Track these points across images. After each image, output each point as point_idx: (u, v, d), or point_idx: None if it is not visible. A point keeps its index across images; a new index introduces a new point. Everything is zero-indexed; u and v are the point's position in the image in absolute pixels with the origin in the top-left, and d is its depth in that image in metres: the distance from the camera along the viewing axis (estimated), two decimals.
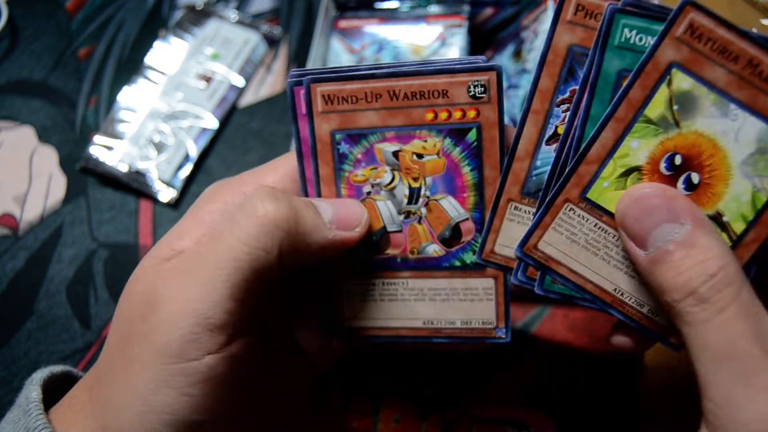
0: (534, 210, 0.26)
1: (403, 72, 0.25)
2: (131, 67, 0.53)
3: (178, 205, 0.47)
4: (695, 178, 0.24)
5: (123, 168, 0.48)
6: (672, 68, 0.23)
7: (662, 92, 0.23)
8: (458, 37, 0.46)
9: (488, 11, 0.48)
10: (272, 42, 0.54)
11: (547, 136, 0.26)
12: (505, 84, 0.45)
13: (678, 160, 0.24)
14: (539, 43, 0.43)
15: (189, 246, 0.25)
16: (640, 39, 0.24)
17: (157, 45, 0.53)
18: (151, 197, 0.47)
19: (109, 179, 0.48)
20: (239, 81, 0.52)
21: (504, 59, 0.46)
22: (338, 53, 0.47)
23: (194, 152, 0.48)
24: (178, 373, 0.21)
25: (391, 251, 0.28)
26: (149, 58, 0.53)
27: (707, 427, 0.21)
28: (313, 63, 0.44)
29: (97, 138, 0.49)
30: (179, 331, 0.21)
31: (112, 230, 0.46)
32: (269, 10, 0.56)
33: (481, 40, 0.48)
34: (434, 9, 0.48)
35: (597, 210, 0.25)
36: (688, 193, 0.24)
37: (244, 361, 0.23)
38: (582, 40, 0.24)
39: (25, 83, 0.53)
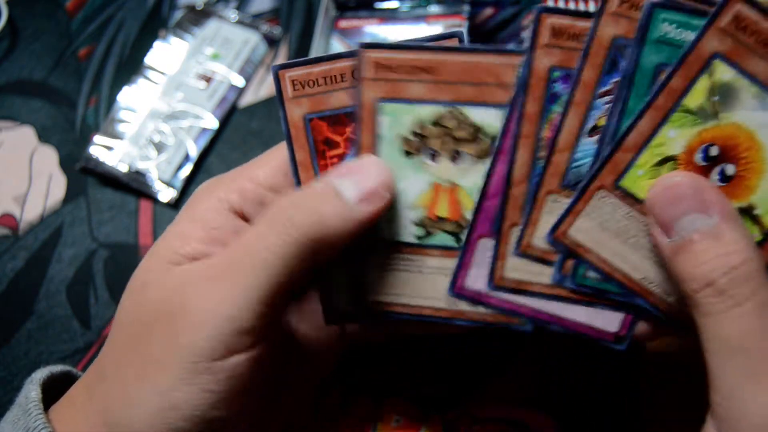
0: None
1: None
2: (131, 67, 0.53)
3: (178, 205, 0.47)
4: (730, 169, 0.24)
5: (123, 168, 0.48)
6: (714, 59, 0.23)
7: (703, 82, 0.23)
8: None
9: (488, 11, 0.48)
10: (272, 42, 0.54)
11: (588, 128, 0.26)
12: None
13: (714, 151, 0.24)
14: None
15: (195, 250, 0.25)
16: (679, 33, 0.24)
17: (157, 45, 0.53)
18: (151, 197, 0.47)
19: (109, 179, 0.48)
20: (239, 81, 0.52)
21: None
22: None
23: (194, 152, 0.48)
24: (204, 371, 0.22)
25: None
26: (149, 58, 0.53)
27: (713, 419, 0.21)
28: None
29: (97, 138, 0.49)
30: (208, 332, 0.22)
31: (112, 230, 0.46)
32: (269, 10, 0.56)
33: (481, 40, 0.48)
34: (434, 9, 0.48)
35: (630, 198, 0.25)
36: (723, 185, 0.24)
37: (264, 362, 0.24)
38: (626, 32, 0.24)
39: (25, 83, 0.53)
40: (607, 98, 0.25)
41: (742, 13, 0.23)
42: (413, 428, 0.38)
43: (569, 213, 0.26)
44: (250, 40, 0.53)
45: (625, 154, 0.25)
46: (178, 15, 0.55)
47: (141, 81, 0.51)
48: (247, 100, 0.52)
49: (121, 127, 0.49)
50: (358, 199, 0.24)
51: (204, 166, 0.49)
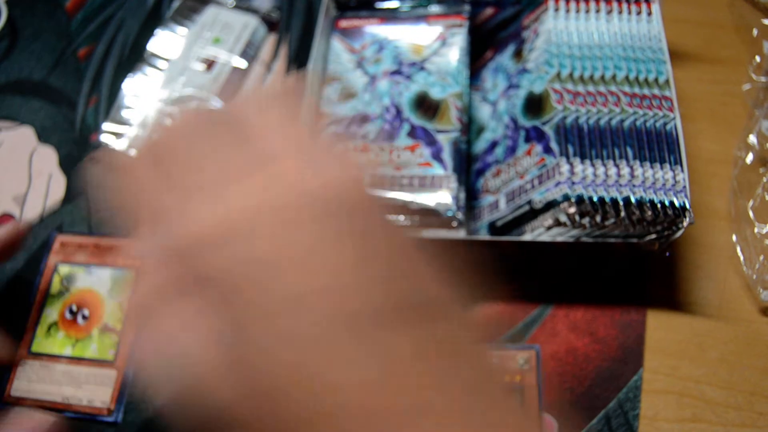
0: None
1: None
2: (131, 66, 0.53)
3: None
4: (86, 313, 0.42)
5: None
6: (57, 265, 0.44)
7: (56, 279, 0.43)
8: (459, 37, 0.46)
9: (489, 11, 0.48)
10: (271, 24, 0.54)
11: None
12: (505, 84, 0.45)
13: (74, 308, 0.42)
14: (540, 43, 0.43)
15: None
16: None
17: (159, 32, 0.53)
18: None
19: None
20: (242, 63, 0.52)
21: (504, 59, 0.46)
22: (338, 53, 0.47)
23: None
24: None
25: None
26: (151, 46, 0.53)
27: None
28: (313, 63, 0.44)
29: (106, 125, 0.50)
30: None
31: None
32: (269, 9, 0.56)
33: (482, 39, 0.48)
34: (435, 9, 0.48)
35: (46, 356, 0.41)
36: (83, 323, 0.42)
37: None
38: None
39: (25, 83, 0.53)
40: None
41: (64, 240, 0.45)
42: None
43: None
44: (249, 24, 0.53)
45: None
46: (176, 5, 0.55)
47: (145, 69, 0.52)
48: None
49: (127, 114, 0.50)
50: None
51: None
